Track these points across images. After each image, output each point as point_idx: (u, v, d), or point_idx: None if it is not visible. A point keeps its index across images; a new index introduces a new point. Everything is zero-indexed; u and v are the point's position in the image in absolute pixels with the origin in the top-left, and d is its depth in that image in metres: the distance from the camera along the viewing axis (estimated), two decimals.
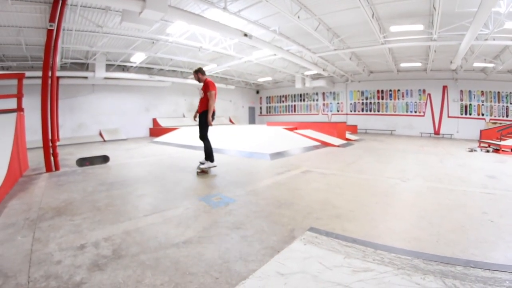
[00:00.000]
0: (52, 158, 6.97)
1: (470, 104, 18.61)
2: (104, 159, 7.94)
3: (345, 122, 16.00)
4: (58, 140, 15.59)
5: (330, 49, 13.90)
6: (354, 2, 9.35)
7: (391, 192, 4.76)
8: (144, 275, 2.18)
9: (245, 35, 10.52)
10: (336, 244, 2.69)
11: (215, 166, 6.45)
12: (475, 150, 10.76)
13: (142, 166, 7.48)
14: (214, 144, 7.78)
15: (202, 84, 6.35)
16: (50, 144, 6.95)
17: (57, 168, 7.01)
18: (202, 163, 6.33)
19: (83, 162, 7.51)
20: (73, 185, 5.35)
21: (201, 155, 7.13)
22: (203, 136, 6.33)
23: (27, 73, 14.21)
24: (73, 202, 4.21)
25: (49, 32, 6.80)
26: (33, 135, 10.97)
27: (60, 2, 6.85)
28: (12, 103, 7.02)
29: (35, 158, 8.52)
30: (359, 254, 2.47)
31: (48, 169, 6.89)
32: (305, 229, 3.08)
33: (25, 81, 12.17)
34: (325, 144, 11.57)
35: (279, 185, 5.20)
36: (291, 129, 13.90)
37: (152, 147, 12.55)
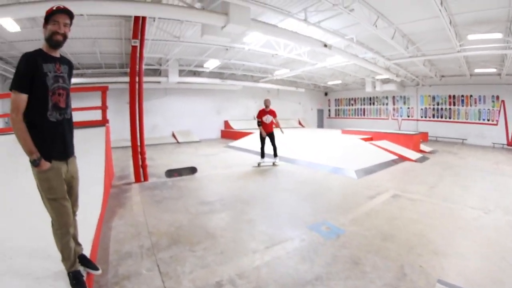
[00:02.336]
0: (141, 169, 7.26)
1: None
2: (192, 170, 8.17)
3: (420, 134, 15.01)
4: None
5: (405, 56, 13.22)
6: (433, 11, 8.83)
7: (475, 226, 4.46)
8: None
9: (325, 45, 10.27)
10: None
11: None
12: None
13: (232, 181, 7.42)
14: (293, 155, 10.32)
15: (268, 109, 9.39)
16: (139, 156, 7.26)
17: (145, 179, 7.31)
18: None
19: (171, 173, 7.78)
20: (171, 203, 5.47)
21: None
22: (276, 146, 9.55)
23: (101, 79, 15.34)
24: (181, 227, 4.27)
25: (133, 48, 7.11)
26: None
27: (141, 19, 7.09)
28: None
29: (115, 161, 8.96)
30: None
31: (137, 179, 7.21)
32: (412, 265, 3.19)
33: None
34: (402, 158, 10.96)
35: (376, 213, 4.98)
36: (366, 139, 13.38)
37: (230, 153, 12.63)
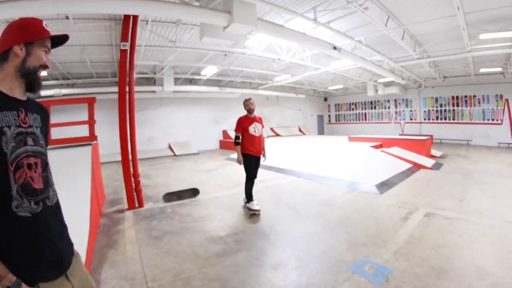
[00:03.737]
0: (135, 193, 6.29)
1: None
2: (193, 192, 7.07)
3: (430, 138, 14.22)
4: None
5: (413, 58, 12.64)
6: (446, 11, 8.56)
7: None
8: None
9: (334, 47, 9.42)
10: None
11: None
12: None
13: (241, 205, 6.26)
14: (300, 168, 9.13)
15: (254, 116, 5.91)
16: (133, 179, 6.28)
17: (140, 205, 6.29)
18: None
19: (170, 197, 6.72)
20: (174, 240, 4.45)
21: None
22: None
23: (93, 90, 14.51)
24: (190, 279, 3.29)
25: (123, 52, 6.15)
26: (102, 148, 10.12)
27: (132, 19, 6.14)
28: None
29: (106, 180, 7.95)
30: None
31: (131, 206, 6.19)
32: None
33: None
34: (417, 166, 10.14)
35: (417, 240, 4.13)
36: (377, 147, 12.52)
37: (232, 167, 11.44)
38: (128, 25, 6.12)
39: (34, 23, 1.40)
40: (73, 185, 4.61)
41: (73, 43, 10.45)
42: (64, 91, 14.47)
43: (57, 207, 1.45)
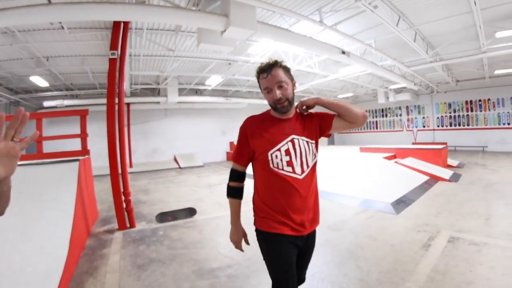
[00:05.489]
0: (125, 213, 5.77)
1: None
2: (190, 212, 6.49)
3: (446, 146, 13.49)
4: (131, 166, 15.54)
5: (426, 61, 12.11)
6: (460, 8, 8.10)
7: None
8: None
9: (343, 52, 8.88)
10: None
11: None
12: None
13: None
14: None
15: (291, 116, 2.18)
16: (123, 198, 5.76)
17: (132, 225, 5.78)
18: None
19: (164, 217, 6.17)
20: (158, 271, 3.89)
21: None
22: None
23: (96, 101, 14.37)
24: None
25: (112, 61, 5.71)
26: (102, 160, 9.31)
27: (122, 26, 5.75)
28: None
29: (104, 195, 7.42)
30: None
31: (121, 226, 5.69)
32: None
33: (95, 108, 11.76)
34: (434, 178, 9.46)
35: (442, 276, 3.46)
36: (390, 158, 11.84)
37: None
38: (118, 32, 5.75)
39: None
40: (56, 204, 4.33)
41: (71, 54, 10.32)
42: (67, 102, 14.49)
43: None
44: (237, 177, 2.09)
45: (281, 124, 1.95)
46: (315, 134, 2.03)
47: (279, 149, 1.88)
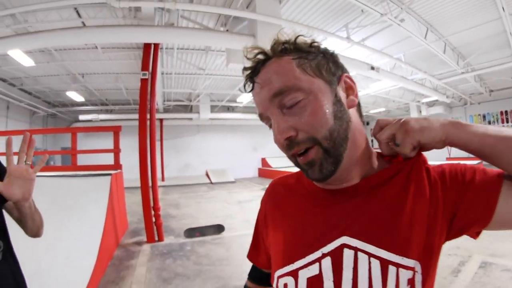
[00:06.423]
0: (154, 226, 5.94)
1: None
2: (218, 229, 6.53)
3: (481, 162, 12.90)
4: (163, 180, 15.84)
5: (457, 72, 11.76)
6: (490, 15, 7.87)
7: None
8: None
9: (372, 68, 8.84)
10: None
11: None
12: None
13: None
14: None
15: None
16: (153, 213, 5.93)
17: (160, 239, 5.90)
18: None
19: (192, 233, 6.28)
20: (183, 285, 3.96)
21: None
22: None
23: (129, 116, 14.91)
24: None
25: (143, 81, 5.94)
26: (135, 173, 9.84)
27: (152, 47, 5.95)
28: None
29: (136, 207, 7.51)
30: None
31: (150, 239, 5.83)
32: None
33: (128, 123, 12.20)
34: None
35: None
36: None
37: None
38: (148, 53, 5.96)
39: None
40: (87, 216, 4.52)
41: (105, 71, 10.84)
42: (102, 116, 15.08)
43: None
44: (254, 275, 0.96)
45: (326, 204, 0.70)
46: (426, 237, 0.62)
47: (295, 272, 0.66)
